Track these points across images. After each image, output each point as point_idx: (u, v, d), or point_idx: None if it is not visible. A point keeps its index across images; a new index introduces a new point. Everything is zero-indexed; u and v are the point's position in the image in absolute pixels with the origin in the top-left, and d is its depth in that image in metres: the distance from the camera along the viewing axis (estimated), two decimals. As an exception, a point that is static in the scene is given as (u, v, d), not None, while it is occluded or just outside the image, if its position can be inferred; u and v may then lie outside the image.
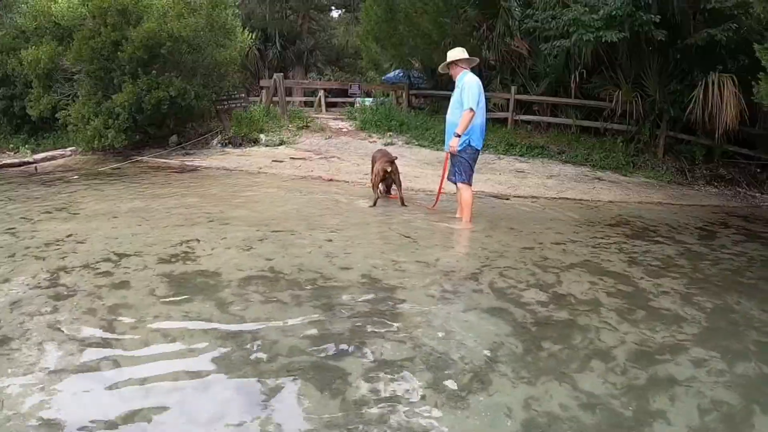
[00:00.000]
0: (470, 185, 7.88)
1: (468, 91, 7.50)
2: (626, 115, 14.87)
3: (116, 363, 3.75)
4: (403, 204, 8.91)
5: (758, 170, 14.85)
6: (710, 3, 12.13)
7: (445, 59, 7.92)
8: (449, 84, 8.10)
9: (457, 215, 8.15)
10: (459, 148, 7.64)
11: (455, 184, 7.99)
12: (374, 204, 8.74)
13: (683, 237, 8.40)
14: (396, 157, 8.91)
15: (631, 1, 12.12)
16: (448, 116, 7.98)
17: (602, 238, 7.83)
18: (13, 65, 16.84)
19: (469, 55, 7.91)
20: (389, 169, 8.71)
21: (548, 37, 14.49)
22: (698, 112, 13.27)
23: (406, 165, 12.71)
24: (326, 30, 42.72)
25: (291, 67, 35.39)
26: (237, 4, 16.72)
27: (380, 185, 9.03)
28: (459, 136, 7.57)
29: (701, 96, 13.17)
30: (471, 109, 7.44)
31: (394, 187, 9.15)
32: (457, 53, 7.91)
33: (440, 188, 8.84)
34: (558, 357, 4.02)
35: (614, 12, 12.26)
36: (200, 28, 14.22)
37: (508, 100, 16.92)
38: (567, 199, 10.97)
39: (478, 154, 7.98)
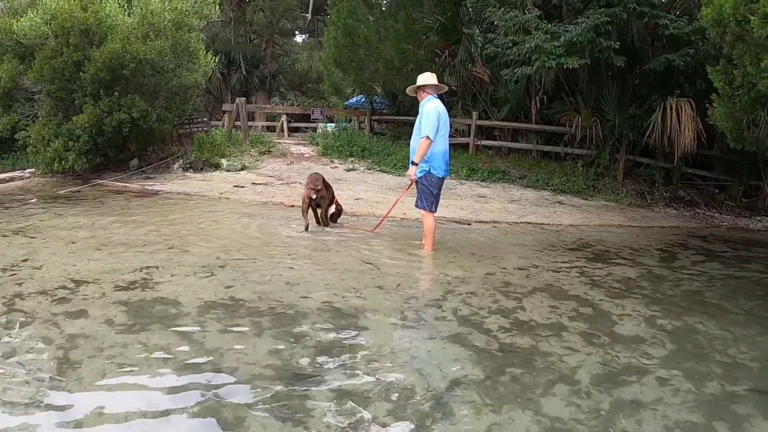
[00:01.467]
0: (432, 213, 7.82)
1: (426, 119, 7.47)
2: (586, 140, 15.09)
3: (71, 393, 3.64)
4: (324, 225, 9.09)
5: (716, 191, 15.15)
6: (668, 29, 12.39)
7: (412, 83, 7.98)
8: (411, 109, 8.11)
9: (423, 242, 8.06)
10: (419, 175, 7.62)
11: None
12: (306, 229, 8.71)
13: (644, 259, 8.48)
14: (319, 186, 8.83)
15: (591, 28, 12.30)
16: (411, 142, 7.96)
17: (564, 262, 7.86)
18: (-27, 83, 16.56)
19: None
20: (314, 197, 8.71)
21: (509, 63, 14.65)
22: (657, 136, 13.53)
23: (368, 190, 12.71)
24: (290, 55, 42.78)
25: (254, 92, 35.28)
26: (201, 27, 16.63)
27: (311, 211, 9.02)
28: (416, 164, 7.56)
29: (660, 120, 13.44)
30: (428, 137, 7.42)
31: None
32: (425, 78, 7.85)
33: (388, 213, 8.96)
34: (522, 382, 3.99)
35: (575, 39, 12.45)
36: (164, 50, 14.11)
37: (470, 125, 17.05)
38: (528, 223, 11.01)
39: (442, 182, 7.91)
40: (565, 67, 12.96)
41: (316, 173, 9.32)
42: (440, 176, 7.77)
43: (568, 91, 15.71)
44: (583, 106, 15.11)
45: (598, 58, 13.09)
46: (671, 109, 13.32)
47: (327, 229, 8.98)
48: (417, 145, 7.62)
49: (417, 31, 18.02)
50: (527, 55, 13.57)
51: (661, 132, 13.47)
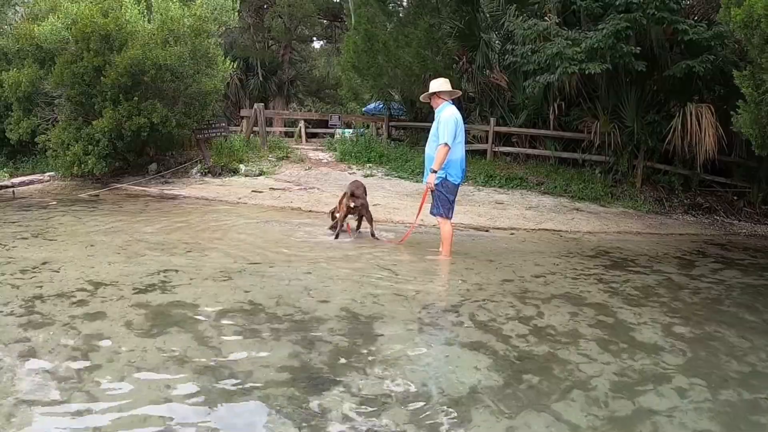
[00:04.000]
0: (449, 219, 7.78)
1: (444, 126, 7.42)
2: (604, 146, 15.00)
3: (90, 395, 3.68)
4: (373, 236, 8.87)
5: (735, 198, 15.01)
6: (687, 35, 12.31)
7: (427, 89, 7.83)
8: (429, 116, 8.02)
9: (441, 248, 7.99)
10: (436, 182, 7.57)
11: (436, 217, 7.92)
12: (336, 237, 8.70)
13: (662, 266, 8.43)
14: (360, 194, 8.76)
15: (612, 34, 12.26)
16: (426, 149, 7.91)
17: (582, 269, 7.84)
18: (-6, 87, 16.77)
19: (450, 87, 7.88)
20: (352, 205, 8.65)
21: (528, 72, 14.63)
22: (677, 142, 13.42)
23: (386, 197, 12.72)
24: (308, 61, 42.95)
25: (272, 97, 35.48)
26: (220, 33, 16.75)
27: (346, 219, 8.95)
28: (435, 171, 7.50)
29: (679, 126, 13.33)
30: (446, 144, 7.37)
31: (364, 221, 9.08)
32: (439, 84, 7.76)
33: (414, 224, 8.72)
34: (539, 389, 3.99)
35: (596, 44, 12.41)
36: (183, 56, 14.22)
37: (487, 132, 17.00)
38: (546, 230, 10.99)
39: (458, 188, 7.85)
40: (586, 72, 12.91)
41: (357, 181, 9.35)
42: (456, 183, 7.73)
43: (586, 97, 15.64)
44: (602, 112, 15.04)
45: (617, 63, 13.04)
46: (691, 115, 13.24)
47: (374, 237, 8.92)
48: (432, 152, 7.62)
49: (435, 37, 18.04)
50: (547, 63, 13.55)
51: (681, 138, 13.38)
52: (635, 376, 4.28)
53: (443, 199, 7.66)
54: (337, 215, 8.85)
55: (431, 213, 7.87)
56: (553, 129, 16.05)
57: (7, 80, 15.21)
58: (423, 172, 8.46)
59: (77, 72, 13.76)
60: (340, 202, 8.86)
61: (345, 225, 8.89)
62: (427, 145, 7.92)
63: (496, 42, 18.28)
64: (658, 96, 14.90)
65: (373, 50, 19.23)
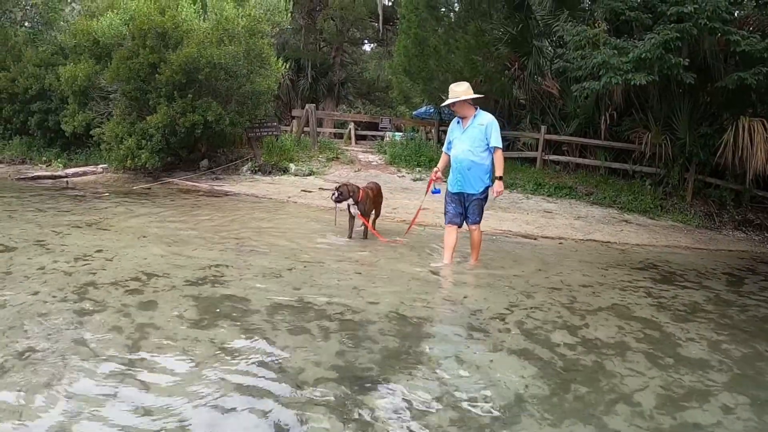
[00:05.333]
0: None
1: (496, 130, 7.25)
2: (655, 158, 14.84)
3: (141, 383, 3.80)
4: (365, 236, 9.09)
5: (787, 215, 14.71)
6: (740, 46, 12.11)
7: (481, 94, 7.63)
8: None
9: (445, 261, 7.64)
10: (479, 190, 7.39)
11: (468, 225, 7.63)
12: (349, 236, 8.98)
13: (711, 282, 8.34)
14: (353, 189, 8.80)
15: (661, 44, 12.12)
16: (462, 155, 7.39)
17: (630, 281, 7.79)
18: (51, 80, 17.38)
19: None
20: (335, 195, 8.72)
21: (578, 78, 14.54)
22: (728, 156, 13.22)
23: (434, 201, 12.75)
24: (358, 63, 43.16)
25: (322, 98, 35.71)
26: (273, 34, 16.99)
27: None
28: (501, 178, 7.26)
29: (731, 140, 13.13)
30: (502, 149, 7.31)
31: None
32: (464, 88, 7.35)
33: (415, 217, 9.00)
34: (585, 400, 4.00)
35: (644, 55, 12.28)
36: (238, 55, 14.46)
37: (538, 139, 16.94)
38: (594, 241, 10.94)
39: None
40: (632, 83, 12.79)
41: (374, 182, 9.55)
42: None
43: (638, 108, 15.49)
44: (653, 123, 14.89)
45: (667, 74, 12.88)
46: (743, 128, 13.04)
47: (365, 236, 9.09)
48: (478, 158, 7.30)
49: (486, 42, 18.00)
50: (594, 70, 13.46)
51: (732, 152, 13.18)
52: (681, 392, 4.26)
53: (481, 206, 7.53)
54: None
55: (472, 222, 7.53)
56: (604, 139, 15.92)
57: (63, 74, 15.68)
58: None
59: (133, 68, 14.12)
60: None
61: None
62: (463, 150, 7.40)
63: (549, 49, 18.22)
64: (710, 108, 14.71)
65: (424, 54, 19.29)
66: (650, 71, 12.56)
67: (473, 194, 7.42)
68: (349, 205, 8.73)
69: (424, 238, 9.40)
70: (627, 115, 15.89)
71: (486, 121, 7.32)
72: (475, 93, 7.41)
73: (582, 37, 13.82)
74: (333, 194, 8.69)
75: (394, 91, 25.91)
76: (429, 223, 10.50)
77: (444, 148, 7.90)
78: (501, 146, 7.31)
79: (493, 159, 7.34)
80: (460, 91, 7.31)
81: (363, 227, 9.07)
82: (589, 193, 15.01)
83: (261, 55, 15.54)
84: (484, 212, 7.66)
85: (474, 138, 7.35)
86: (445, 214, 7.71)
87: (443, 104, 8.14)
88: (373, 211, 9.26)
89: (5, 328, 4.55)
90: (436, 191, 8.18)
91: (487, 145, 7.30)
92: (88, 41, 15.72)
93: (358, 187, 8.78)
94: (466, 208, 7.52)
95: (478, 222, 7.55)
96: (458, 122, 7.60)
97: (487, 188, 7.46)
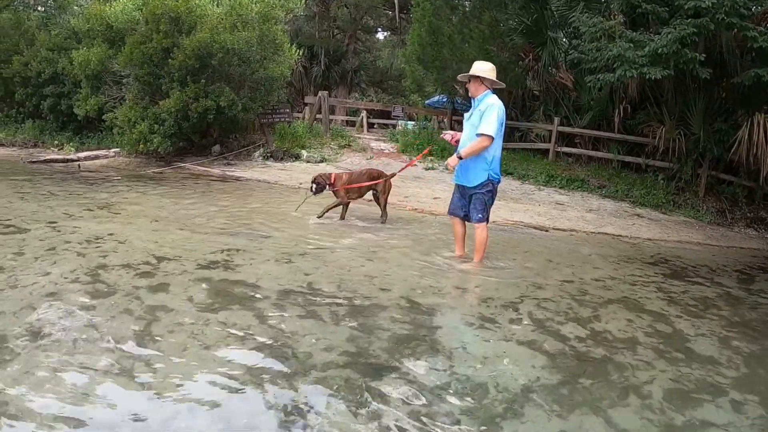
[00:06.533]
0: (486, 223, 7.02)
1: (487, 116, 6.57)
2: (668, 153, 14.74)
3: (151, 366, 3.83)
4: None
5: (801, 214, 14.61)
6: (758, 42, 11.98)
7: (472, 71, 6.83)
8: None
9: (456, 254, 7.37)
10: (477, 183, 6.76)
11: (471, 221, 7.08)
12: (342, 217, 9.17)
13: (722, 279, 8.30)
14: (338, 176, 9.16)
15: (677, 39, 12.01)
16: (462, 144, 6.92)
17: (641, 276, 7.77)
18: (64, 64, 17.48)
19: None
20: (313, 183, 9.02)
21: (593, 70, 14.45)
22: (743, 153, 13.12)
23: (446, 190, 12.70)
24: (371, 51, 43.08)
25: (334, 86, 35.68)
26: (286, 20, 16.97)
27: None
28: (461, 157, 6.66)
29: (746, 136, 13.03)
30: (491, 137, 6.58)
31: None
32: (486, 68, 6.85)
33: (410, 163, 8.79)
34: (594, 392, 4.00)
35: (660, 49, 12.18)
36: (251, 41, 14.45)
37: (551, 131, 16.84)
38: (606, 234, 10.90)
39: (497, 187, 7.05)
40: (647, 77, 12.70)
41: (370, 168, 9.67)
42: (498, 182, 6.98)
43: (653, 101, 15.39)
44: (668, 117, 14.77)
45: (683, 69, 12.78)
46: (759, 125, 12.93)
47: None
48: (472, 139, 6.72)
49: (501, 32, 17.90)
50: (609, 62, 13.37)
51: (747, 149, 13.08)
52: (691, 387, 4.25)
53: (483, 202, 6.89)
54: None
55: (474, 220, 6.95)
56: (617, 132, 15.81)
57: (76, 58, 15.73)
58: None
59: (146, 52, 14.15)
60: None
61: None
62: (461, 136, 7.02)
63: (563, 40, 18.11)
64: (725, 104, 14.59)
65: (437, 43, 19.21)
66: (666, 66, 12.46)
67: (471, 188, 6.87)
68: (332, 191, 9.01)
69: (437, 226, 9.37)
70: (641, 109, 15.79)
71: (486, 106, 6.66)
72: (483, 70, 6.79)
73: (598, 29, 13.72)
74: (311, 188, 8.99)
75: (407, 80, 25.82)
76: (441, 213, 10.48)
77: None
78: (487, 133, 6.54)
79: (492, 148, 6.69)
80: (480, 68, 6.83)
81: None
82: (601, 186, 14.94)
83: (274, 41, 15.54)
84: (495, 203, 7.30)
85: (473, 125, 6.77)
86: (450, 203, 7.33)
87: (459, 76, 7.59)
88: (381, 192, 9.25)
89: (16, 309, 4.59)
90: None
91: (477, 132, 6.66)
92: (101, 26, 15.78)
93: (329, 174, 9.08)
94: (468, 203, 6.98)
95: (482, 220, 6.90)
96: (472, 107, 6.96)
97: (488, 182, 6.80)
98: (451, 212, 7.26)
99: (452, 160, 6.73)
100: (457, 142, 7.08)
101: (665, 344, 5.09)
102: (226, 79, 14.79)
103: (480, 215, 6.87)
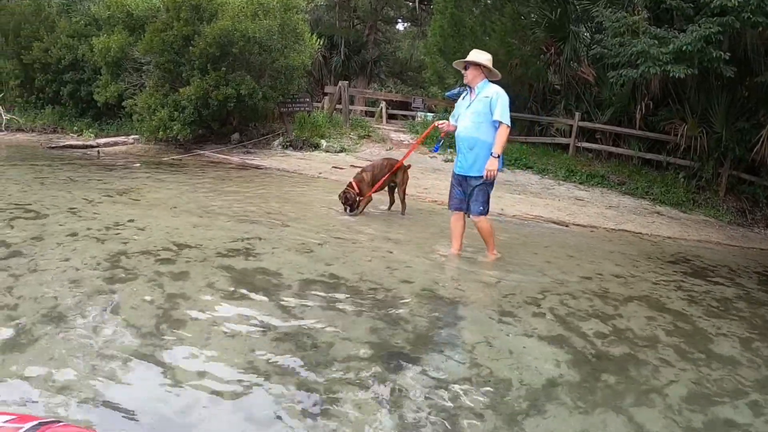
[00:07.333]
0: (487, 215, 6.81)
1: (502, 104, 6.39)
2: (690, 151, 14.64)
3: (173, 352, 3.85)
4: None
5: (821, 216, 14.47)
6: (783, 41, 11.87)
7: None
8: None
9: (453, 251, 7.08)
10: (482, 174, 6.50)
11: (470, 215, 6.83)
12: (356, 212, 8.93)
13: (742, 280, 8.23)
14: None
15: (702, 37, 11.91)
16: (464, 132, 6.66)
17: (662, 274, 7.73)
18: (84, 51, 17.58)
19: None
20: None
21: (615, 65, 14.36)
22: (765, 153, 13.00)
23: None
24: (391, 42, 42.96)
25: (354, 76, 35.63)
26: (307, 9, 16.97)
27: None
28: (498, 156, 6.41)
29: (768, 136, 12.92)
30: (508, 125, 6.43)
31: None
32: (485, 57, 6.61)
33: (412, 148, 8.61)
34: (615, 390, 4.00)
35: (684, 47, 12.08)
36: (272, 30, 14.46)
37: (572, 126, 16.75)
38: (626, 231, 10.84)
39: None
40: (670, 75, 12.61)
41: (386, 158, 9.63)
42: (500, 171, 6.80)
43: (675, 98, 15.27)
44: (690, 115, 14.67)
45: (707, 67, 12.67)
46: (783, 125, 12.82)
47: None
48: (481, 134, 6.51)
49: (523, 26, 17.83)
50: (632, 58, 13.28)
51: (769, 149, 12.96)
52: (712, 388, 4.24)
53: (486, 194, 6.69)
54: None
55: (475, 212, 6.71)
56: (639, 128, 15.70)
57: (97, 45, 15.81)
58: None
59: (167, 40, 14.19)
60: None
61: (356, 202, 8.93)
62: (464, 126, 6.68)
63: (585, 35, 17.99)
64: (749, 103, 14.45)
65: (459, 35, 19.16)
66: (690, 64, 12.36)
67: (475, 177, 6.60)
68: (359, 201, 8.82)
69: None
70: (663, 106, 15.66)
71: (491, 93, 6.47)
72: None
73: (621, 24, 13.62)
74: (346, 210, 8.82)
75: (428, 71, 25.76)
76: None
77: (450, 118, 7.11)
78: (508, 122, 6.41)
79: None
80: (479, 56, 6.58)
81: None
82: (621, 183, 14.86)
83: (295, 30, 15.55)
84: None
85: (477, 112, 6.53)
86: (449, 198, 7.08)
87: (454, 63, 7.18)
88: (399, 184, 9.23)
89: (37, 295, 4.61)
90: (437, 149, 7.94)
91: (493, 120, 6.44)
92: (121, 13, 15.84)
93: (352, 183, 8.83)
94: (469, 194, 6.73)
95: (483, 213, 6.70)
96: (467, 95, 6.79)
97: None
98: (456, 208, 6.94)
99: (492, 164, 6.40)
100: (443, 126, 7.07)
101: (686, 344, 5.07)
102: (247, 68, 14.81)
103: (481, 207, 6.65)
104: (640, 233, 10.87)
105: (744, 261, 9.83)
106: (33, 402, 3.18)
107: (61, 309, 4.35)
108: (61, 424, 1.70)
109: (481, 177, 6.51)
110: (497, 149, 6.38)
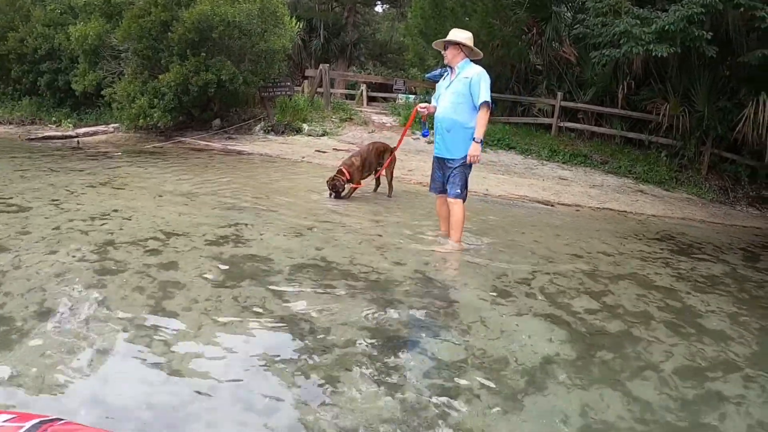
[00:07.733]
0: (465, 201, 6.53)
1: (483, 84, 6.12)
2: (672, 130, 14.73)
3: (166, 344, 3.77)
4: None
5: (803, 194, 14.63)
6: (765, 22, 11.91)
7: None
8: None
9: (442, 232, 6.95)
10: (464, 156, 6.28)
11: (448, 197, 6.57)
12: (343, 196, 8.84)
13: (727, 257, 8.34)
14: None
15: (685, 17, 11.94)
16: (443, 113, 6.43)
17: (649, 252, 7.81)
18: (60, 40, 17.28)
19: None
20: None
21: (597, 45, 14.38)
22: (747, 132, 13.11)
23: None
24: (371, 24, 42.76)
25: (333, 59, 35.44)
26: (286, -8, 16.87)
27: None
28: (480, 141, 6.22)
29: (751, 115, 13.01)
30: (489, 105, 6.17)
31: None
32: (465, 36, 6.35)
33: (403, 135, 8.42)
34: (611, 365, 4.04)
35: (667, 27, 12.11)
36: (252, 13, 14.33)
37: (554, 106, 16.78)
38: (611, 209, 10.93)
39: None
40: (653, 54, 12.65)
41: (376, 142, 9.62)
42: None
43: (657, 78, 15.34)
44: (672, 94, 14.76)
45: (689, 46, 12.72)
46: (764, 105, 12.90)
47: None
48: (459, 116, 6.27)
49: (504, 6, 17.74)
50: (615, 38, 13.30)
51: (752, 128, 13.05)
52: (704, 362, 4.29)
53: (465, 176, 6.44)
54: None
55: (451, 195, 6.45)
56: (621, 108, 15.78)
57: (74, 33, 15.57)
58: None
59: (145, 26, 14.00)
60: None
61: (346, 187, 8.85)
62: (443, 108, 6.44)
63: (568, 15, 17.99)
64: (730, 82, 14.54)
65: (440, 16, 19.05)
66: (672, 43, 12.40)
67: (452, 160, 6.41)
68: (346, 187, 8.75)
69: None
70: (645, 85, 15.74)
71: (472, 74, 6.21)
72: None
73: (604, 4, 13.66)
74: (330, 195, 8.75)
75: (408, 53, 25.68)
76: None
77: (432, 100, 6.87)
78: (489, 103, 6.15)
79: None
80: (459, 35, 6.33)
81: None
82: (604, 162, 14.94)
83: (275, 13, 15.41)
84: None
85: (457, 92, 6.29)
86: (431, 181, 6.93)
87: (433, 43, 6.98)
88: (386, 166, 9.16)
89: (24, 290, 4.48)
90: (425, 133, 7.50)
91: (473, 102, 6.20)
92: (98, 0, 15.60)
93: (342, 170, 8.68)
94: (447, 177, 6.52)
95: (460, 196, 6.40)
96: (447, 75, 6.57)
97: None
98: (438, 190, 6.77)
99: (475, 149, 6.20)
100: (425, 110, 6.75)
101: (677, 319, 5.13)
102: (227, 52, 14.66)
103: (458, 190, 6.38)
104: (625, 212, 10.95)
105: (727, 238, 9.95)
106: (24, 400, 3.09)
107: (49, 304, 4.23)
108: (62, 422, 1.67)
109: (459, 160, 6.33)
110: (478, 134, 6.19)
